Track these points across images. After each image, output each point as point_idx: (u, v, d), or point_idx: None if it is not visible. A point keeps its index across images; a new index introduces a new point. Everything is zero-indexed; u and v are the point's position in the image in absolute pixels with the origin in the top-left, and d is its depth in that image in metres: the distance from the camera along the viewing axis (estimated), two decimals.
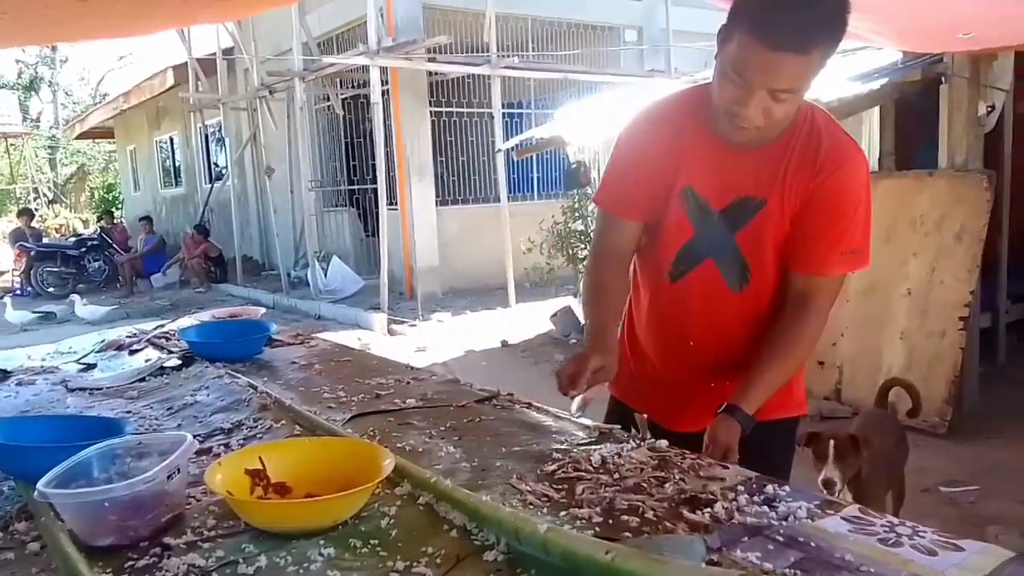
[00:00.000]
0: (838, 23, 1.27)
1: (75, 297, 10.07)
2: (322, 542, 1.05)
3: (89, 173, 28.12)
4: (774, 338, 1.47)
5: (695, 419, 1.54)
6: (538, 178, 11.67)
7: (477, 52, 9.56)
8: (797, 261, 1.48)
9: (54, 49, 26.56)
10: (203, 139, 14.36)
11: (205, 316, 2.85)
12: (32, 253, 12.42)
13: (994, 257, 4.81)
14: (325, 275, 9.86)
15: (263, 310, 2.93)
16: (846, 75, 4.80)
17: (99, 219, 16.95)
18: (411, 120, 9.75)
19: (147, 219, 13.74)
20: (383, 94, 8.67)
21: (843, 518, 1.06)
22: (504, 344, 7.15)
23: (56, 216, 22.81)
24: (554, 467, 1.27)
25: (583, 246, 7.05)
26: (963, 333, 4.20)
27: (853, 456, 2.30)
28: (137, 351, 2.46)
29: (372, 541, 1.05)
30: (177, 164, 16.67)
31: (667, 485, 1.18)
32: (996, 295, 5.00)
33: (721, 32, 1.35)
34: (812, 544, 0.98)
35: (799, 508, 1.07)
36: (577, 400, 1.44)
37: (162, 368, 2.17)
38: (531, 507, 1.13)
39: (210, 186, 14.05)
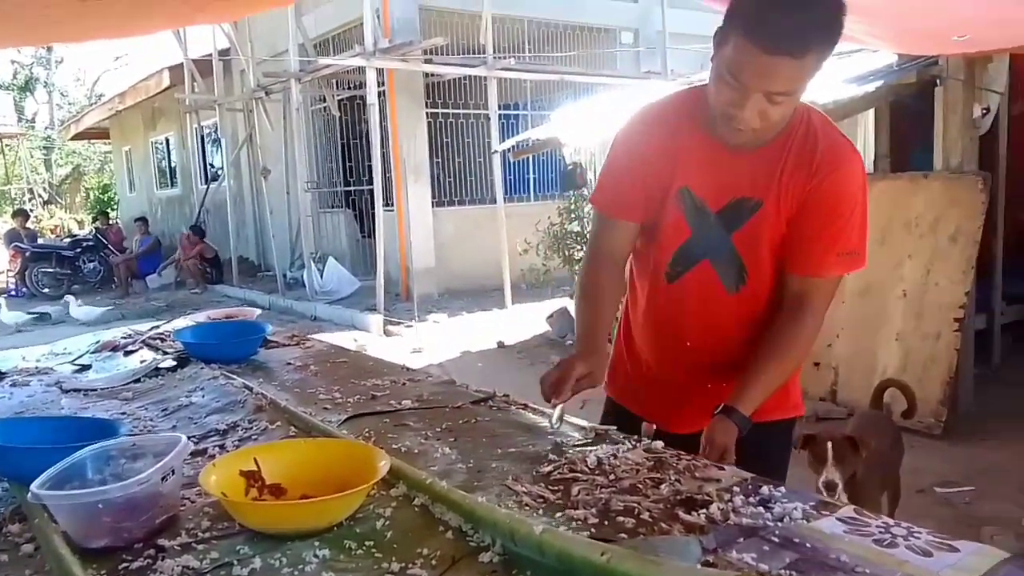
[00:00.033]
0: (834, 26, 1.28)
1: (70, 298, 10.06)
2: (317, 544, 1.04)
3: (84, 174, 28.06)
4: (771, 339, 1.47)
5: (692, 420, 1.54)
6: (534, 179, 11.68)
7: (473, 53, 9.57)
8: (793, 262, 1.48)
9: (50, 50, 26.52)
10: (199, 140, 14.34)
11: (201, 317, 2.84)
12: (27, 254, 12.39)
13: (989, 259, 4.82)
14: (321, 276, 9.85)
15: (259, 311, 2.92)
16: (841, 77, 4.81)
17: (94, 220, 16.92)
18: (407, 121, 9.75)
19: (142, 220, 13.72)
20: (379, 95, 8.67)
21: (838, 519, 1.06)
22: (500, 345, 7.15)
23: (51, 217, 22.76)
24: (550, 468, 1.27)
25: (579, 247, 7.05)
26: (958, 334, 4.21)
27: (851, 457, 2.30)
28: (132, 352, 2.45)
29: (367, 542, 1.05)
30: (173, 165, 16.64)
31: (663, 486, 1.18)
32: (991, 296, 5.01)
33: (717, 34, 1.35)
34: (807, 545, 0.98)
35: (794, 509, 1.07)
36: (557, 411, 1.43)
37: (157, 369, 2.16)
38: (527, 508, 1.13)
39: (206, 187, 14.03)
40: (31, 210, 19.54)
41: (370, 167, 8.96)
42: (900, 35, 3.43)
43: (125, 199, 20.10)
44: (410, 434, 1.51)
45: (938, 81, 4.52)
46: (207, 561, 1.01)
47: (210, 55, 11.99)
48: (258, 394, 1.80)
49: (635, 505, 1.11)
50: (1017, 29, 3.07)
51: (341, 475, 1.16)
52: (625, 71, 10.96)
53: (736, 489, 1.16)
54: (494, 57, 9.05)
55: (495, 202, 9.19)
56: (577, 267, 7.01)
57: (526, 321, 7.88)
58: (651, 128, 1.55)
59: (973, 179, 4.37)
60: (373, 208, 8.89)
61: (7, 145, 24.52)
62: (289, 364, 2.20)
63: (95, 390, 2.01)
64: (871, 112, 5.46)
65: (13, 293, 12.32)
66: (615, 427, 1.48)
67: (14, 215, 14.65)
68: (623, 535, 1.03)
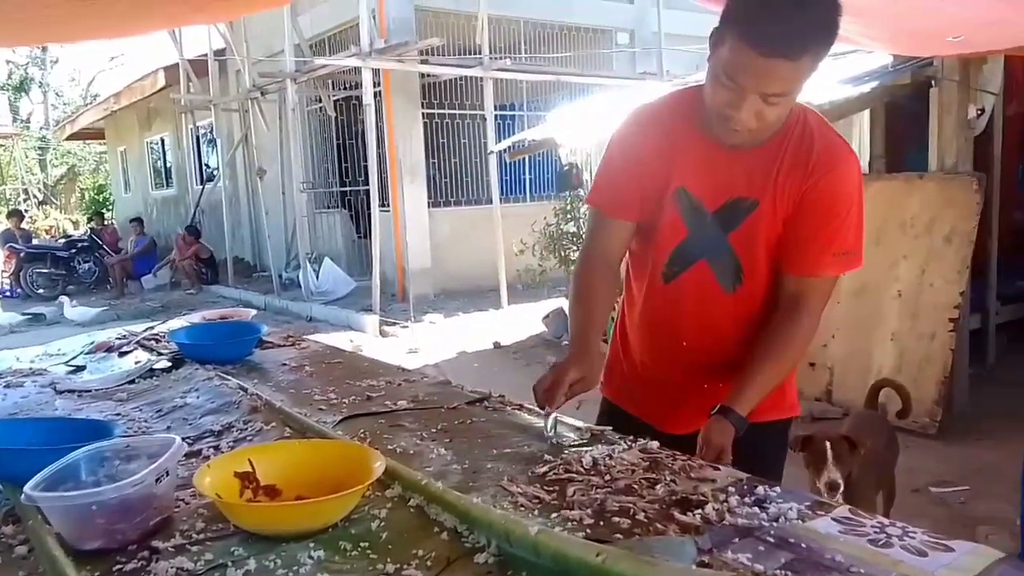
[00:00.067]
0: (830, 27, 1.28)
1: (64, 299, 10.04)
2: (312, 545, 1.04)
3: (79, 174, 27.99)
4: (767, 339, 1.47)
5: (688, 420, 1.54)
6: (530, 180, 11.69)
7: (469, 54, 9.57)
8: (790, 262, 1.48)
9: (44, 50, 26.46)
10: (194, 140, 14.33)
11: (196, 318, 2.83)
12: (22, 254, 12.36)
13: (984, 259, 4.84)
14: (317, 277, 9.84)
15: (254, 312, 2.91)
16: (837, 78, 4.82)
17: (89, 220, 16.89)
18: (403, 122, 9.74)
19: (138, 220, 13.70)
20: (375, 96, 8.67)
21: (833, 519, 1.06)
22: (496, 346, 7.15)
23: (46, 217, 22.70)
24: (545, 469, 1.27)
25: (575, 248, 7.06)
26: (953, 334, 4.22)
27: (849, 457, 2.30)
28: (127, 353, 2.45)
29: (362, 544, 1.05)
30: (168, 165, 16.61)
31: (658, 487, 1.18)
32: (986, 296, 5.03)
33: (713, 35, 1.35)
34: (803, 545, 0.98)
35: (790, 509, 1.07)
36: (551, 420, 1.43)
37: (152, 370, 2.15)
38: (522, 509, 1.13)
39: (201, 187, 14.01)
40: (26, 211, 19.50)
41: (366, 167, 8.96)
42: (895, 36, 3.44)
43: (120, 199, 20.06)
44: (405, 435, 1.51)
45: (933, 82, 4.53)
46: (201, 563, 1.00)
47: (206, 55, 11.97)
48: (253, 395, 1.79)
49: (630, 505, 1.11)
50: (1012, 30, 3.08)
51: (336, 476, 1.15)
52: (621, 72, 10.98)
53: (731, 489, 1.16)
54: (490, 58, 9.05)
55: (491, 203, 9.20)
56: (573, 268, 7.01)
57: (522, 322, 7.88)
58: (646, 129, 1.55)
59: (968, 180, 4.38)
60: (369, 208, 8.89)
61: (2, 145, 24.48)
62: (284, 365, 2.19)
63: (89, 391, 2.00)
64: (866, 113, 5.47)
65: (8, 294, 12.29)
66: (611, 427, 1.48)
67: (9, 215, 14.61)
68: (618, 536, 1.03)
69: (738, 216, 1.47)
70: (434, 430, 1.53)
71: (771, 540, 1.01)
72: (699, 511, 1.08)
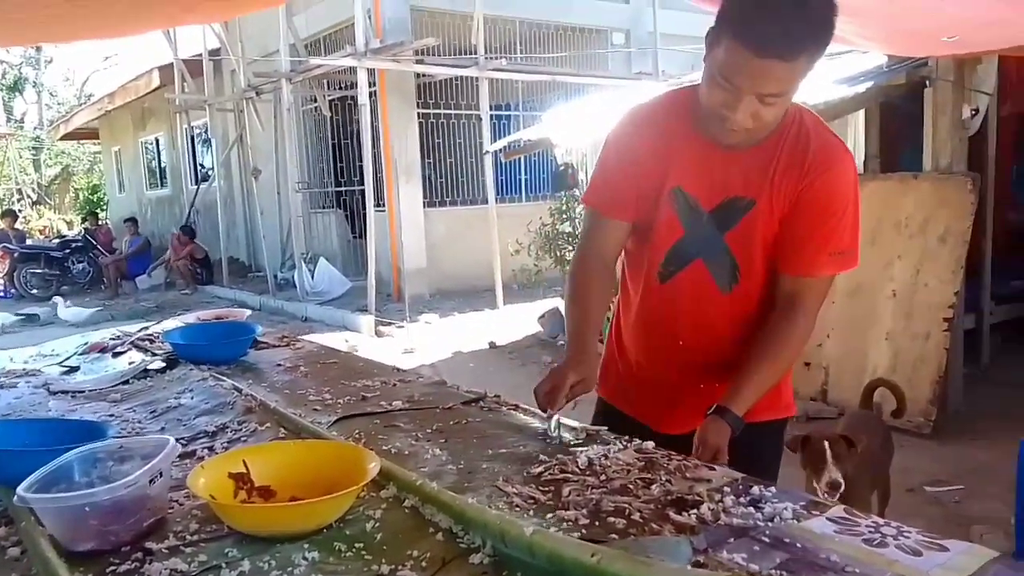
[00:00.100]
0: (825, 27, 1.28)
1: (58, 299, 10.01)
2: (306, 546, 1.04)
3: (73, 174, 27.92)
4: (763, 339, 1.47)
5: (684, 421, 1.54)
6: (526, 180, 11.69)
7: (465, 54, 9.56)
8: (786, 262, 1.48)
9: (38, 50, 26.37)
10: (189, 140, 14.29)
11: (190, 318, 2.82)
12: (15, 255, 12.31)
13: (978, 259, 4.85)
14: (312, 277, 9.83)
15: (249, 312, 2.91)
16: (832, 78, 4.83)
17: (83, 220, 16.81)
18: (399, 122, 9.73)
19: (132, 220, 13.65)
20: (371, 96, 8.66)
21: (828, 519, 1.06)
22: (492, 346, 7.14)
23: (40, 217, 22.65)
24: (540, 469, 1.27)
25: (571, 248, 7.05)
26: (947, 334, 4.23)
27: (847, 456, 2.30)
28: (120, 353, 2.44)
29: (357, 544, 1.04)
30: (163, 165, 16.58)
31: (653, 487, 1.18)
32: (980, 296, 5.04)
33: (709, 35, 1.35)
34: (798, 545, 0.98)
35: (785, 509, 1.08)
36: (554, 421, 1.43)
37: (146, 371, 2.15)
38: (517, 509, 1.12)
39: (196, 187, 13.98)
40: (20, 211, 19.45)
41: (361, 167, 8.95)
42: (890, 36, 3.45)
43: (115, 199, 20.01)
44: (400, 435, 1.51)
45: (928, 82, 4.55)
46: (195, 564, 1.00)
47: (200, 55, 11.95)
48: (247, 395, 1.79)
49: (626, 506, 1.11)
50: (1006, 30, 3.09)
51: (331, 477, 1.15)
52: (616, 72, 10.98)
53: (727, 489, 1.16)
54: (485, 58, 9.04)
55: (487, 203, 9.19)
56: (568, 268, 7.01)
57: (517, 322, 7.88)
58: (641, 129, 1.55)
59: (962, 180, 4.39)
60: (364, 208, 8.88)
61: None
62: (279, 365, 2.19)
63: (83, 392, 2.00)
64: (861, 113, 5.48)
65: (1, 294, 12.25)
66: (606, 428, 1.48)
67: (2, 216, 14.51)
68: (614, 536, 1.03)
69: (734, 216, 1.47)
70: (429, 430, 1.53)
71: (766, 540, 1.01)
72: (694, 511, 1.08)
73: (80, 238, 13.59)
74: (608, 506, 1.11)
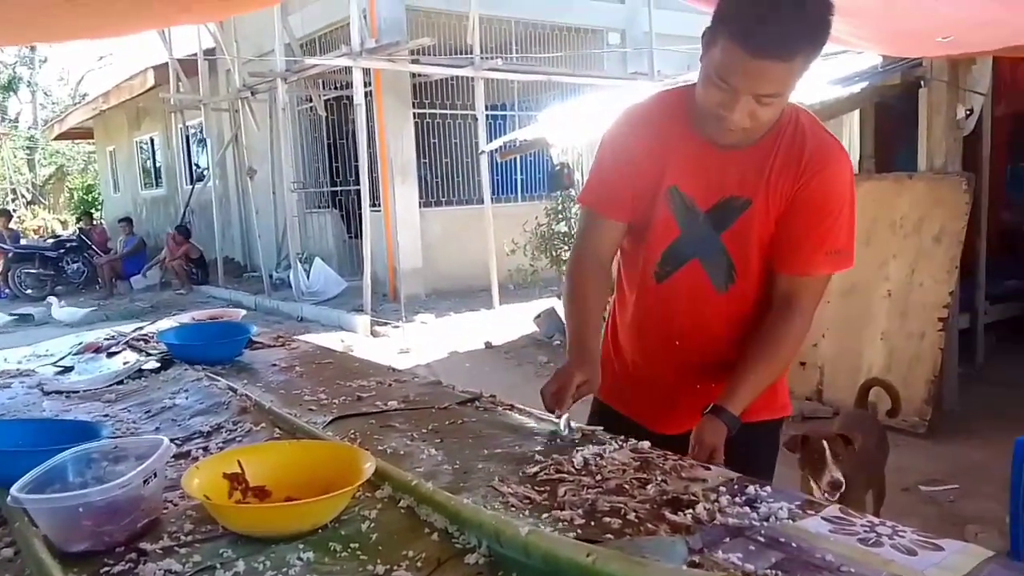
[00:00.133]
0: (822, 27, 1.27)
1: (52, 299, 9.98)
2: (301, 546, 1.03)
3: (68, 174, 27.83)
4: (759, 339, 1.47)
5: (680, 421, 1.54)
6: (522, 180, 11.68)
7: (460, 54, 9.56)
8: (782, 261, 1.48)
9: (33, 49, 26.29)
10: (184, 140, 14.26)
11: (185, 318, 2.82)
12: (10, 255, 12.27)
13: (973, 258, 4.87)
14: (308, 277, 9.81)
15: (244, 312, 2.90)
16: (827, 79, 4.83)
17: (78, 220, 16.80)
18: (394, 121, 9.72)
19: (127, 220, 13.62)
20: (366, 95, 8.64)
21: (824, 518, 1.06)
22: (488, 346, 7.14)
23: (35, 217, 22.60)
24: (536, 469, 1.27)
25: (567, 248, 7.06)
26: (942, 334, 4.24)
27: (845, 455, 2.29)
28: (115, 354, 2.43)
29: (352, 545, 1.04)
30: (157, 165, 16.54)
31: (649, 486, 1.18)
32: (975, 296, 5.05)
33: (705, 35, 1.35)
34: (793, 544, 0.99)
35: (780, 509, 1.08)
36: (564, 418, 1.44)
37: (140, 371, 2.14)
38: (513, 509, 1.12)
39: (191, 187, 13.95)
40: (14, 210, 19.39)
41: (357, 167, 8.93)
42: (885, 37, 3.46)
43: (109, 199, 19.96)
44: (396, 435, 1.50)
45: (922, 82, 4.56)
46: (189, 564, 1.00)
47: (195, 55, 11.91)
48: (242, 396, 1.78)
49: (621, 505, 1.11)
50: (1001, 31, 3.09)
51: (326, 477, 1.15)
52: (612, 72, 10.99)
53: (722, 489, 1.16)
54: (481, 57, 9.04)
55: (482, 202, 9.19)
56: (564, 268, 7.01)
57: (513, 322, 7.87)
58: (637, 129, 1.55)
59: (957, 180, 4.40)
60: (360, 208, 8.87)
61: None
62: (274, 365, 2.19)
63: (77, 392, 1.99)
64: (856, 113, 5.49)
65: None
66: (602, 427, 1.48)
67: None
68: (609, 536, 1.03)
69: (731, 215, 1.47)
70: (425, 430, 1.52)
71: (762, 540, 1.01)
72: (690, 511, 1.08)
73: (75, 238, 13.56)
74: (604, 506, 1.11)
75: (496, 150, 8.55)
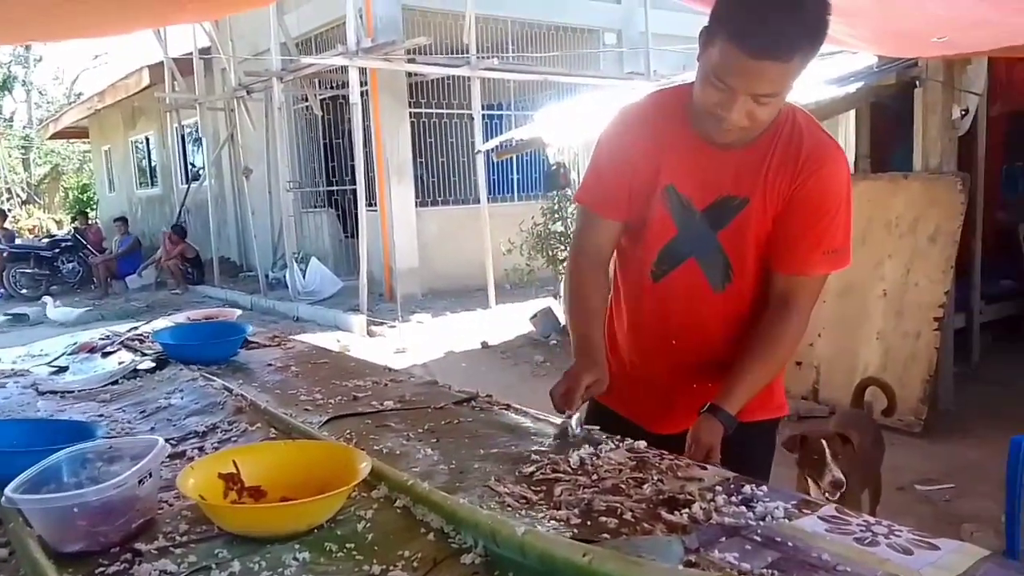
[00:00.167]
0: (819, 27, 1.27)
1: (47, 299, 9.95)
2: (297, 546, 1.03)
3: (63, 173, 27.77)
4: (756, 338, 1.47)
5: (676, 420, 1.54)
6: (518, 179, 11.68)
7: (457, 53, 9.55)
8: (779, 261, 1.48)
9: (28, 48, 26.22)
10: (179, 139, 14.24)
11: (180, 318, 2.81)
12: (5, 254, 12.24)
13: (968, 258, 4.88)
14: (304, 276, 9.80)
15: (239, 312, 2.90)
16: (822, 79, 4.84)
17: (73, 220, 16.78)
18: (390, 121, 9.72)
19: (122, 220, 13.58)
20: (362, 95, 8.64)
21: (820, 517, 1.07)
22: (484, 345, 7.14)
23: (29, 217, 22.53)
24: (532, 469, 1.27)
25: (563, 247, 7.06)
26: (938, 333, 4.25)
27: (844, 454, 2.29)
28: (110, 353, 2.42)
29: (348, 545, 1.04)
30: (153, 164, 16.50)
31: (645, 486, 1.18)
32: (970, 296, 5.06)
33: (702, 34, 1.34)
34: (789, 544, 0.99)
35: (776, 508, 1.08)
36: (576, 417, 1.44)
37: (135, 371, 2.14)
38: (509, 509, 1.12)
39: (187, 187, 13.92)
40: (9, 210, 19.32)
41: (353, 167, 8.92)
42: (881, 37, 3.46)
43: (105, 199, 19.91)
44: (392, 435, 1.50)
45: (917, 83, 4.56)
46: (185, 565, 0.99)
47: (191, 54, 11.89)
48: (238, 395, 1.78)
49: (617, 505, 1.11)
50: (995, 31, 3.10)
51: (322, 477, 1.15)
52: (608, 72, 11.00)
53: (718, 488, 1.16)
54: (477, 57, 9.04)
55: (479, 202, 9.19)
56: (561, 267, 7.02)
57: (510, 321, 7.87)
58: (632, 128, 1.55)
59: (952, 179, 4.41)
60: (356, 208, 8.86)
61: None
62: (270, 365, 2.18)
63: (72, 392, 1.98)
64: (852, 113, 5.50)
65: None
66: (598, 427, 1.48)
67: None
68: (605, 535, 1.02)
69: (727, 214, 1.47)
70: (421, 430, 1.52)
71: (758, 539, 1.01)
72: (686, 510, 1.08)
73: (70, 237, 13.52)
74: (600, 505, 1.11)
75: (492, 150, 8.54)
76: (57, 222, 22.39)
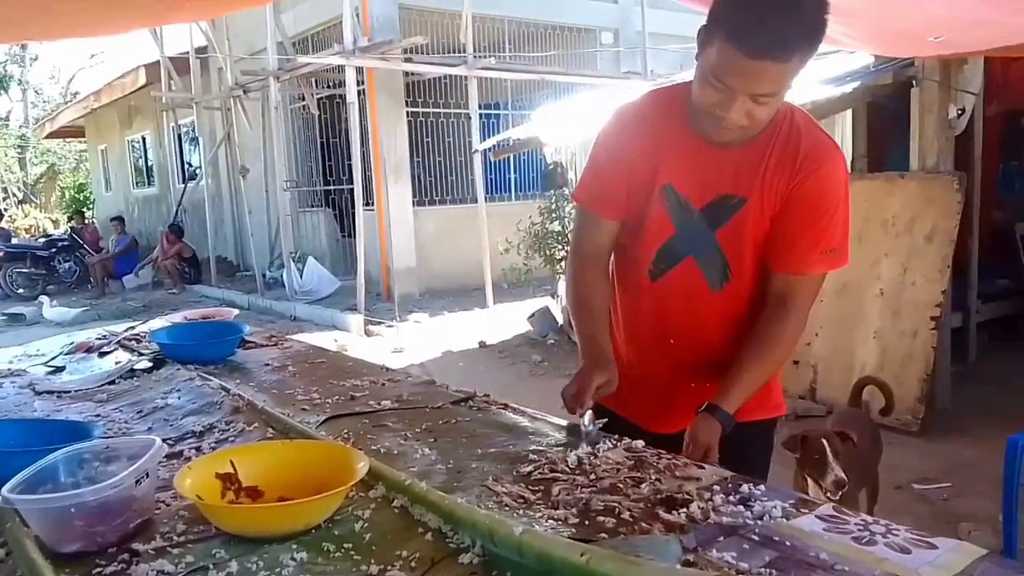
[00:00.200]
0: (817, 27, 1.27)
1: (44, 299, 9.93)
2: (295, 546, 1.03)
3: (60, 173, 27.72)
4: (754, 338, 1.47)
5: (674, 420, 1.54)
6: (515, 179, 11.68)
7: (454, 53, 9.55)
8: (777, 260, 1.48)
9: (24, 47, 26.15)
10: (176, 138, 14.20)
11: (177, 318, 2.81)
12: (1, 254, 12.21)
13: (965, 257, 4.89)
14: (301, 276, 9.79)
15: (236, 311, 2.89)
16: (819, 78, 4.85)
17: (70, 219, 16.69)
18: (387, 120, 9.71)
19: (119, 219, 13.56)
20: (359, 94, 8.63)
21: (818, 517, 1.07)
22: (482, 345, 7.14)
23: (26, 216, 22.48)
24: (530, 468, 1.27)
25: (560, 247, 7.06)
26: (935, 332, 4.26)
27: (844, 452, 2.28)
28: (107, 353, 2.42)
29: (346, 545, 1.04)
30: (149, 164, 16.48)
31: (643, 485, 1.18)
32: (967, 295, 5.07)
33: (700, 34, 1.34)
34: (787, 543, 0.99)
35: (774, 507, 1.08)
36: (588, 415, 1.44)
37: (132, 371, 2.13)
38: (507, 509, 1.12)
39: (183, 186, 13.90)
40: (5, 210, 19.29)
41: (350, 166, 8.91)
42: (877, 36, 3.46)
43: (101, 198, 19.88)
44: (389, 435, 1.50)
45: (914, 82, 4.57)
46: (182, 565, 0.99)
47: (187, 53, 11.88)
48: (235, 395, 1.78)
49: (615, 504, 1.11)
50: (992, 31, 3.10)
51: (319, 477, 1.14)
52: (605, 71, 11.00)
53: (716, 488, 1.16)
54: (474, 56, 9.03)
55: (476, 201, 9.18)
56: (559, 267, 7.02)
57: (507, 321, 7.87)
58: (630, 127, 1.54)
59: (949, 179, 4.42)
60: (353, 207, 8.85)
61: None
62: (267, 365, 2.18)
63: (69, 392, 1.98)
64: (848, 113, 5.51)
65: None
66: (606, 419, 1.48)
67: None
68: (603, 535, 1.02)
69: (725, 213, 1.47)
70: (418, 430, 1.52)
71: (756, 538, 1.01)
72: (684, 510, 1.08)
73: (66, 237, 13.50)
74: (598, 505, 1.11)
75: (489, 149, 8.54)
76: (53, 221, 22.35)
